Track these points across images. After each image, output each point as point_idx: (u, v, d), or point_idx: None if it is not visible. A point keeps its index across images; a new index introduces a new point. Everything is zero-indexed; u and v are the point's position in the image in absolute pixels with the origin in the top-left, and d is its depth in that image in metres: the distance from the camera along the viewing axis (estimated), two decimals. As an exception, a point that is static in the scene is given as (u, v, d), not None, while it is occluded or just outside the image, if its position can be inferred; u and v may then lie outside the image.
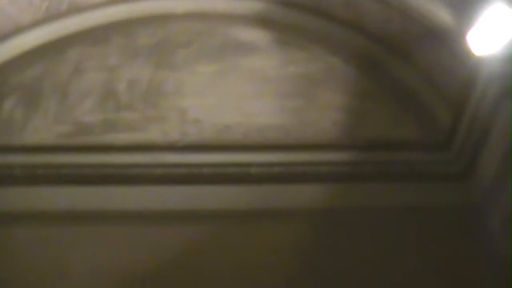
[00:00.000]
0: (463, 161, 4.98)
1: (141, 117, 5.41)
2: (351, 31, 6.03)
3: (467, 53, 4.78)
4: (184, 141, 5.18)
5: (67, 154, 5.02)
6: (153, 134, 5.27)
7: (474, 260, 4.54)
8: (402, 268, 4.53)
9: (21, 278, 4.42)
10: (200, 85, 5.64)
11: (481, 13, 4.50)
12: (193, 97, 5.55)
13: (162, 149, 5.08)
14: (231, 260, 4.54)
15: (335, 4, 5.95)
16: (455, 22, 4.98)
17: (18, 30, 5.89)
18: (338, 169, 5.01)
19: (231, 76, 5.73)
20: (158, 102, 5.52)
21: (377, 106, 5.51)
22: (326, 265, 4.53)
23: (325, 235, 4.68)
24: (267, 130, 5.32)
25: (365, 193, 4.90)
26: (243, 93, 5.59)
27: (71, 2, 5.97)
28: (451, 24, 5.03)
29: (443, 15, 5.12)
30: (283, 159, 5.04)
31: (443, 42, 5.18)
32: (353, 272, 4.50)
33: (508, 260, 4.33)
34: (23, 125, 5.33)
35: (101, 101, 5.51)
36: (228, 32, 6.12)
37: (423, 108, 5.46)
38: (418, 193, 4.91)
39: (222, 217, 4.76)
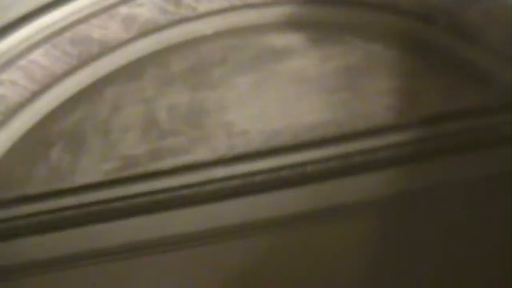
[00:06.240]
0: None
1: (187, 140, 5.26)
2: (385, 14, 5.76)
3: (514, 3, 4.42)
4: (231, 153, 4.99)
5: (117, 188, 4.93)
6: (201, 154, 5.09)
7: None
8: (483, 239, 4.14)
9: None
10: (242, 97, 5.45)
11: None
12: (237, 110, 5.36)
13: (210, 165, 4.91)
14: (301, 266, 4.27)
15: (364, -9, 5.73)
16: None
17: (55, 80, 5.94)
18: (398, 152, 4.66)
19: (271, 82, 5.50)
20: (202, 121, 5.35)
21: (428, 82, 5.11)
22: (403, 249, 4.20)
23: (397, 221, 4.35)
24: (317, 127, 5.04)
25: (431, 170, 4.52)
26: (286, 96, 5.36)
27: (101, 42, 5.97)
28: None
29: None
30: (338, 152, 4.75)
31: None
32: (433, 247, 4.14)
33: None
34: (72, 170, 5.29)
35: (144, 132, 5.41)
36: (261, 41, 5.94)
37: (478, 72, 5.05)
38: (490, 160, 4.48)
39: (283, 224, 4.49)
